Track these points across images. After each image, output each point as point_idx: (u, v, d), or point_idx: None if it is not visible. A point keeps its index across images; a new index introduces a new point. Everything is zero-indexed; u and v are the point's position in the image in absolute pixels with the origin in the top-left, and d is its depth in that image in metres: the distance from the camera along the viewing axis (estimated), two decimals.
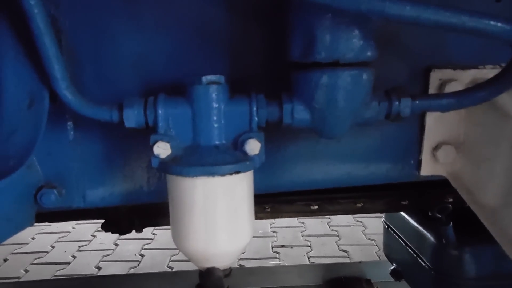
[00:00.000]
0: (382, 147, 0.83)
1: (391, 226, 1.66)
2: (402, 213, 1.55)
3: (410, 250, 1.47)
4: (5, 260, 2.52)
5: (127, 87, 0.77)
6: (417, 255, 1.42)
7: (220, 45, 0.77)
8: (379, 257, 2.64)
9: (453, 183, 0.83)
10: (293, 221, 3.16)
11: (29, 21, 0.61)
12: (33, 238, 2.82)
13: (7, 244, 2.61)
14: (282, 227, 3.04)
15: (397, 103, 0.67)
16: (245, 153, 0.67)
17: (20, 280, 2.25)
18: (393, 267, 1.67)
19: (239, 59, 0.77)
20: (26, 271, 2.40)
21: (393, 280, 1.72)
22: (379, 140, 0.83)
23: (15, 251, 2.62)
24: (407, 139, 0.83)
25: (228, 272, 0.74)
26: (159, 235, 2.83)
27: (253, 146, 0.67)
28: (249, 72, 0.78)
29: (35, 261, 2.52)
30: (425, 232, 1.38)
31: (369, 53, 0.64)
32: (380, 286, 1.99)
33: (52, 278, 2.27)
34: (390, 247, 1.70)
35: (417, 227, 1.43)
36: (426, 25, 0.54)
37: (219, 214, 0.67)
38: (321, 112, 0.66)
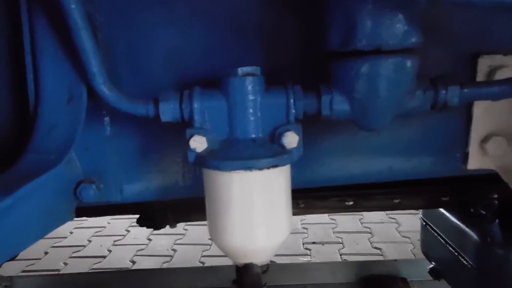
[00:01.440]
0: (426, 139, 0.79)
1: (430, 223, 1.59)
2: (442, 210, 1.48)
3: (450, 249, 1.41)
4: (46, 253, 2.62)
5: (162, 81, 0.76)
6: (459, 254, 1.36)
7: (254, 37, 0.75)
8: (414, 255, 2.56)
9: (504, 177, 0.77)
10: (324, 217, 3.11)
11: (66, 16, 0.62)
12: (71, 233, 2.92)
13: (48, 238, 2.72)
14: (312, 224, 3.00)
15: (444, 91, 0.63)
16: (283, 146, 0.65)
17: (60, 272, 2.34)
18: (431, 265, 1.61)
19: (274, 50, 0.75)
20: (65, 264, 2.49)
21: (430, 279, 1.66)
22: (423, 131, 0.79)
23: (55, 245, 2.73)
24: (453, 130, 0.79)
25: (266, 268, 0.72)
26: (190, 231, 2.86)
27: (291, 139, 0.65)
28: (284, 64, 0.75)
29: (73, 255, 2.61)
30: (467, 229, 1.31)
31: (413, 39, 0.60)
32: (417, 285, 1.92)
33: (90, 271, 2.34)
34: (428, 245, 1.64)
35: (458, 225, 1.36)
36: (481, 6, 0.50)
37: (256, 209, 0.66)
38: (362, 103, 0.64)
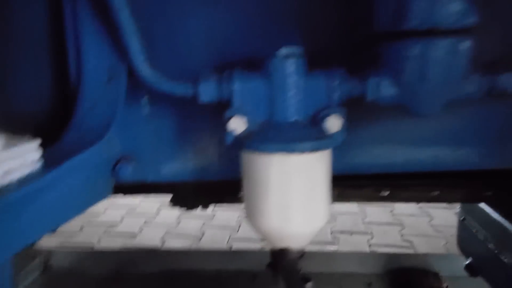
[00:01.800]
0: (478, 128, 0.74)
1: (468, 218, 1.53)
2: (482, 205, 1.41)
3: (490, 245, 1.35)
4: (81, 228, 2.74)
5: (200, 62, 0.75)
6: (499, 251, 1.30)
7: (296, 17, 0.72)
8: (447, 250, 2.48)
9: None
10: (353, 207, 3.07)
11: None
12: (105, 210, 3.02)
13: (84, 214, 2.83)
14: (341, 213, 2.96)
15: (503, 77, 0.59)
16: (325, 130, 0.63)
17: (94, 248, 2.44)
18: (468, 261, 1.55)
19: (317, 31, 0.72)
20: (99, 240, 2.59)
21: (465, 275, 1.60)
22: (474, 119, 0.74)
23: (90, 222, 2.84)
24: (507, 120, 0.73)
25: (302, 253, 0.71)
26: (219, 214, 2.90)
27: (334, 123, 0.63)
28: (328, 45, 0.72)
29: (107, 232, 2.70)
30: (510, 226, 1.25)
31: (470, 19, 0.56)
32: (450, 280, 1.86)
33: (121, 248, 2.42)
34: (465, 240, 1.58)
35: (500, 221, 1.30)
36: None
37: (295, 193, 0.64)
38: (412, 87, 0.60)
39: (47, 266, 1.78)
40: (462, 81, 0.60)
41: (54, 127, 0.74)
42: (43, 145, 0.51)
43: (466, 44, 0.57)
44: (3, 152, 0.41)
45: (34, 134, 0.65)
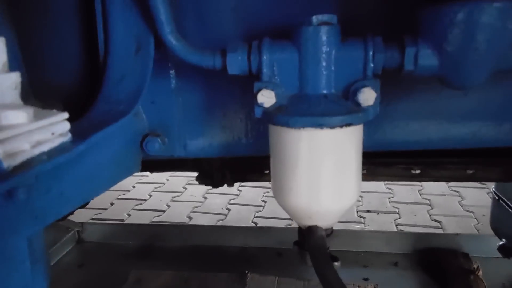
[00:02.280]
0: None
1: (503, 198, 1.46)
2: None
3: None
4: (112, 204, 2.83)
5: (229, 31, 0.73)
6: None
7: None
8: (478, 230, 2.41)
9: None
10: (380, 185, 3.01)
11: None
12: (133, 187, 3.10)
13: (113, 190, 2.91)
14: (368, 192, 2.92)
15: None
16: (358, 104, 0.60)
17: (124, 222, 2.52)
18: (501, 242, 1.50)
19: None
20: (129, 215, 2.67)
21: (496, 256, 1.55)
22: None
23: (119, 197, 2.93)
24: None
25: (330, 231, 0.69)
26: (244, 192, 2.92)
27: (368, 96, 0.59)
28: (363, 12, 0.68)
29: (136, 207, 2.78)
30: None
31: None
32: (481, 261, 1.81)
33: (150, 223, 2.49)
34: (499, 221, 1.52)
35: None
36: None
37: (325, 170, 0.62)
38: (455, 57, 0.56)
39: (80, 238, 1.86)
40: (511, 49, 0.55)
41: (83, 99, 0.74)
42: (72, 117, 0.51)
43: None
44: (32, 124, 0.41)
45: (64, 106, 0.65)
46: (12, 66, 0.51)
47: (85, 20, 0.73)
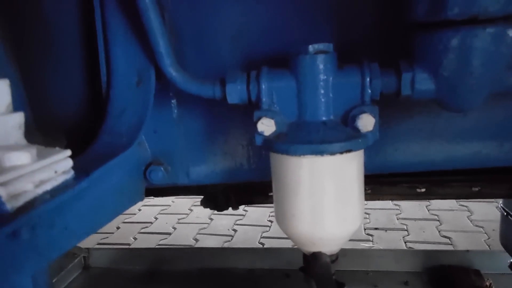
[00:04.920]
0: None
1: (511, 213, 1.44)
2: None
3: None
4: (118, 228, 2.82)
5: (229, 60, 0.74)
6: None
7: (325, 10, 0.70)
8: (488, 246, 2.37)
9: None
10: (388, 203, 2.98)
11: None
12: (139, 210, 3.10)
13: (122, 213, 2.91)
14: (375, 209, 2.89)
15: None
16: (357, 130, 0.60)
17: (131, 246, 2.51)
18: None
19: (347, 25, 0.69)
20: (135, 238, 2.66)
21: (509, 273, 1.52)
22: None
23: (125, 221, 2.92)
24: None
25: (335, 257, 0.69)
26: (250, 212, 2.90)
27: (366, 122, 0.60)
28: (359, 39, 0.69)
29: (142, 230, 2.77)
30: None
31: None
32: (493, 278, 1.77)
33: (157, 246, 2.48)
34: (509, 237, 1.49)
35: None
36: None
37: (327, 196, 0.62)
38: (451, 81, 0.56)
39: (87, 264, 1.85)
40: (506, 72, 0.55)
41: (87, 131, 0.76)
42: (75, 150, 0.51)
43: None
44: (35, 164, 0.41)
45: (67, 139, 0.66)
46: (16, 103, 0.52)
47: (88, 54, 0.75)
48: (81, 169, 0.53)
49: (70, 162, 0.48)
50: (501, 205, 1.51)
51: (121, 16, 0.69)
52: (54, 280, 1.66)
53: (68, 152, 0.48)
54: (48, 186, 0.43)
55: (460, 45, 0.53)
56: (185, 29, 0.73)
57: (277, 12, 0.71)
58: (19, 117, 0.47)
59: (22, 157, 0.40)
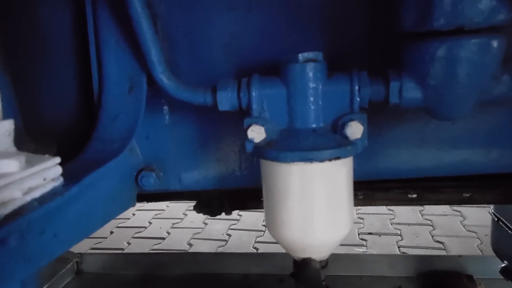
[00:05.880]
0: (510, 129, 0.70)
1: (502, 219, 1.46)
2: None
3: None
4: (111, 232, 2.81)
5: (221, 68, 0.75)
6: None
7: (315, 20, 0.71)
8: (481, 251, 2.38)
9: None
10: (381, 208, 3.00)
11: (127, 5, 0.62)
12: (133, 214, 3.09)
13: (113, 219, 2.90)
14: (369, 214, 2.90)
15: None
16: (346, 137, 0.61)
17: (124, 251, 2.50)
18: (503, 264, 1.48)
19: (336, 34, 0.70)
20: (129, 243, 2.65)
21: (501, 278, 1.53)
22: (506, 120, 0.70)
23: (119, 225, 2.91)
24: None
25: (325, 263, 0.69)
26: (245, 217, 2.90)
27: (355, 129, 0.61)
28: (348, 48, 0.70)
29: (136, 235, 2.76)
30: None
31: (501, 16, 0.52)
32: (485, 283, 1.78)
33: (150, 251, 2.47)
34: (500, 242, 1.51)
35: None
36: None
37: (316, 203, 0.62)
38: (438, 90, 0.57)
39: (79, 269, 1.84)
40: (492, 82, 0.56)
41: (78, 137, 0.76)
42: (66, 156, 0.52)
43: (497, 43, 0.54)
44: (24, 171, 0.42)
45: (58, 144, 0.66)
46: (6, 110, 0.52)
47: (80, 60, 0.75)
48: (72, 176, 0.54)
49: (59, 169, 0.48)
50: (492, 210, 1.52)
51: (113, 23, 0.70)
52: (46, 286, 1.65)
53: (57, 160, 0.48)
54: (36, 194, 0.43)
55: (447, 55, 0.54)
56: (178, 37, 0.74)
57: (269, 21, 0.72)
58: (9, 124, 0.48)
59: (11, 165, 0.40)
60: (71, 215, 0.54)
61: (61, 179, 0.49)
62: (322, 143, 0.60)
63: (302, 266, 0.66)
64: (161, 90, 0.69)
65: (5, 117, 0.50)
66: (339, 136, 0.62)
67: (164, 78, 0.67)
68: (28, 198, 0.42)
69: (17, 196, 0.41)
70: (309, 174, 0.60)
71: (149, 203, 3.12)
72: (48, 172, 0.46)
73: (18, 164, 0.41)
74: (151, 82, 0.70)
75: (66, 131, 0.77)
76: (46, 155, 0.47)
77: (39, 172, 0.44)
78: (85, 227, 0.60)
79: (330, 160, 0.59)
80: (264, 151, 0.62)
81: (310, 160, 0.59)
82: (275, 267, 1.76)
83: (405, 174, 0.77)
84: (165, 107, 0.78)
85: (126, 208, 0.76)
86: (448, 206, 2.94)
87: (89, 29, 0.73)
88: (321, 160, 0.59)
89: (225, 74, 0.71)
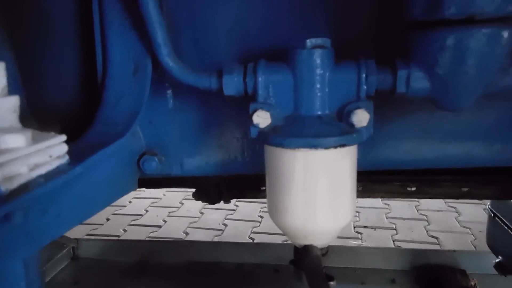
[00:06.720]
0: None
1: (499, 215, 1.47)
2: None
3: None
4: (108, 219, 2.81)
5: (225, 53, 0.74)
6: None
7: (323, 5, 0.70)
8: (475, 247, 2.41)
9: None
10: (377, 201, 3.01)
11: None
12: (130, 202, 3.09)
13: (110, 206, 2.90)
14: (365, 207, 2.92)
15: None
16: (352, 125, 0.61)
17: (120, 238, 2.50)
18: (498, 260, 1.50)
19: (344, 21, 0.70)
20: (125, 230, 2.65)
21: (494, 273, 1.55)
22: (510, 114, 0.70)
23: (115, 212, 2.91)
24: None
25: (325, 251, 0.70)
26: (241, 207, 2.91)
27: (361, 117, 0.60)
28: (356, 35, 0.70)
29: (132, 223, 2.76)
30: None
31: None
32: (478, 278, 1.80)
33: (146, 239, 2.47)
34: (495, 238, 1.52)
35: None
36: None
37: (320, 190, 0.62)
38: (445, 80, 0.57)
39: (75, 255, 1.84)
40: (500, 73, 0.56)
41: (81, 119, 0.75)
42: (70, 138, 0.51)
43: (507, 34, 0.53)
44: (30, 147, 0.41)
45: (62, 126, 0.65)
46: (11, 88, 0.52)
47: (84, 42, 0.74)
48: (75, 156, 0.53)
49: (65, 147, 0.48)
50: (489, 206, 1.53)
51: (118, 4, 0.69)
52: (42, 270, 1.65)
53: (63, 137, 0.47)
54: (42, 170, 0.43)
55: (456, 44, 0.54)
56: (182, 21, 0.73)
57: (274, 7, 0.71)
58: (14, 100, 0.47)
59: (17, 140, 0.40)
60: (74, 195, 0.54)
61: (67, 157, 0.48)
62: (328, 130, 0.60)
63: (303, 253, 0.67)
64: (165, 74, 0.69)
65: (10, 94, 0.49)
66: (344, 123, 0.62)
67: (169, 61, 0.66)
68: (34, 174, 0.42)
69: (23, 171, 0.41)
70: (313, 161, 0.60)
71: (146, 191, 3.13)
72: (54, 149, 0.45)
73: (25, 139, 0.41)
74: (155, 65, 0.70)
75: (69, 113, 0.76)
76: (52, 132, 0.47)
77: (45, 149, 0.43)
78: (87, 208, 0.60)
79: (335, 147, 0.59)
80: (269, 136, 0.62)
81: (315, 146, 0.59)
82: (270, 257, 1.76)
83: (408, 165, 0.77)
84: (169, 92, 0.78)
85: (127, 191, 0.76)
86: (443, 201, 2.97)
87: (94, 9, 0.71)
88: (326, 147, 0.59)
89: (229, 60, 0.71)
